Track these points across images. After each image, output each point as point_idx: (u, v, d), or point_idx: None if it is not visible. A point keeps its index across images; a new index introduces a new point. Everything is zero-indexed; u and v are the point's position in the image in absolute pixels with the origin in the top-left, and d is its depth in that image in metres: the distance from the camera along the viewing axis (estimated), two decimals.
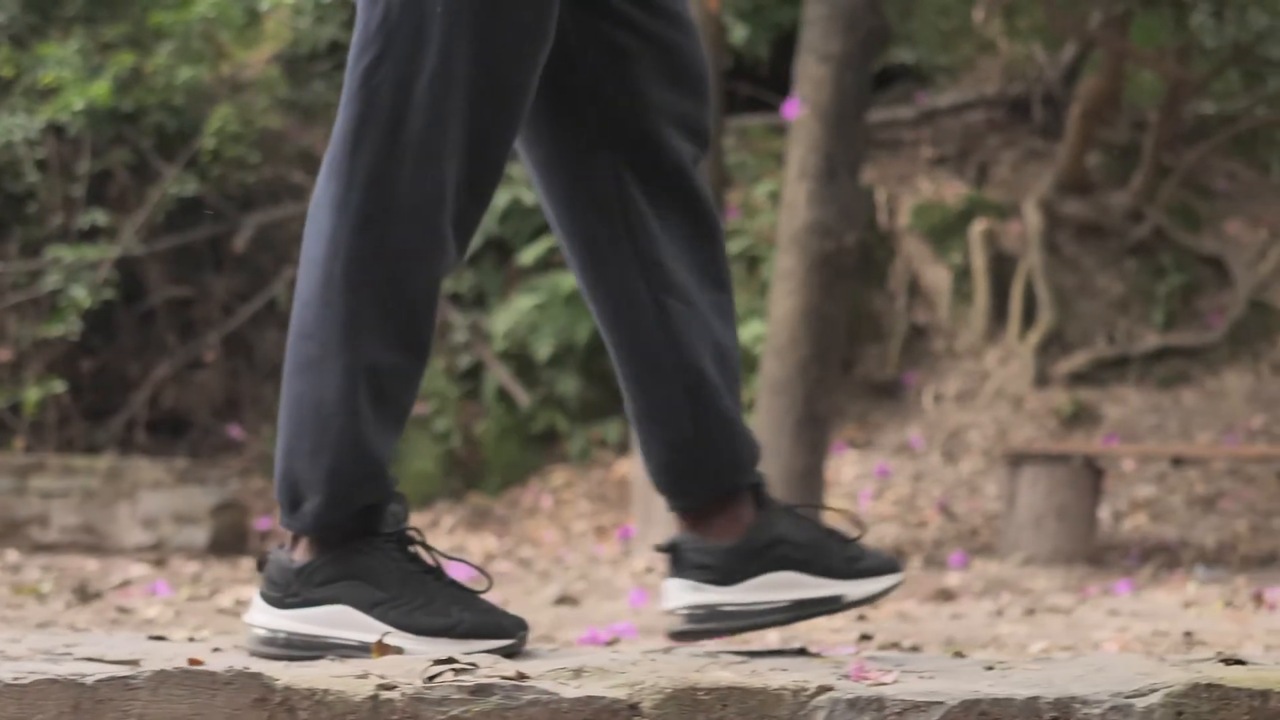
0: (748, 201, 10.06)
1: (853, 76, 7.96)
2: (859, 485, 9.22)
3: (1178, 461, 8.90)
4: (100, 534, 8.21)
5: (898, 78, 11.17)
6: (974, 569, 7.73)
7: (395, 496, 2.45)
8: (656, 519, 8.15)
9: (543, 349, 9.49)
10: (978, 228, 10.35)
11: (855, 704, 2.05)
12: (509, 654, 2.35)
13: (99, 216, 9.45)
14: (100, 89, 9.35)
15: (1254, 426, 9.84)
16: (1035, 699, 2.06)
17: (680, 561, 2.61)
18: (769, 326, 8.02)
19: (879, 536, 8.59)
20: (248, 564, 7.54)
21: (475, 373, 9.78)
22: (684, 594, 2.60)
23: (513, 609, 2.50)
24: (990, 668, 2.30)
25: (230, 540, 8.20)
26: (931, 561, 7.85)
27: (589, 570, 7.51)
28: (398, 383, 2.41)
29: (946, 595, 6.20)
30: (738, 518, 2.61)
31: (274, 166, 10.19)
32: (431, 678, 2.06)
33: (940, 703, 2.05)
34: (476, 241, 9.87)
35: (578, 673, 2.13)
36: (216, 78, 10.23)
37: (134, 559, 7.86)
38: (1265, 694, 2.09)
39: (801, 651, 2.51)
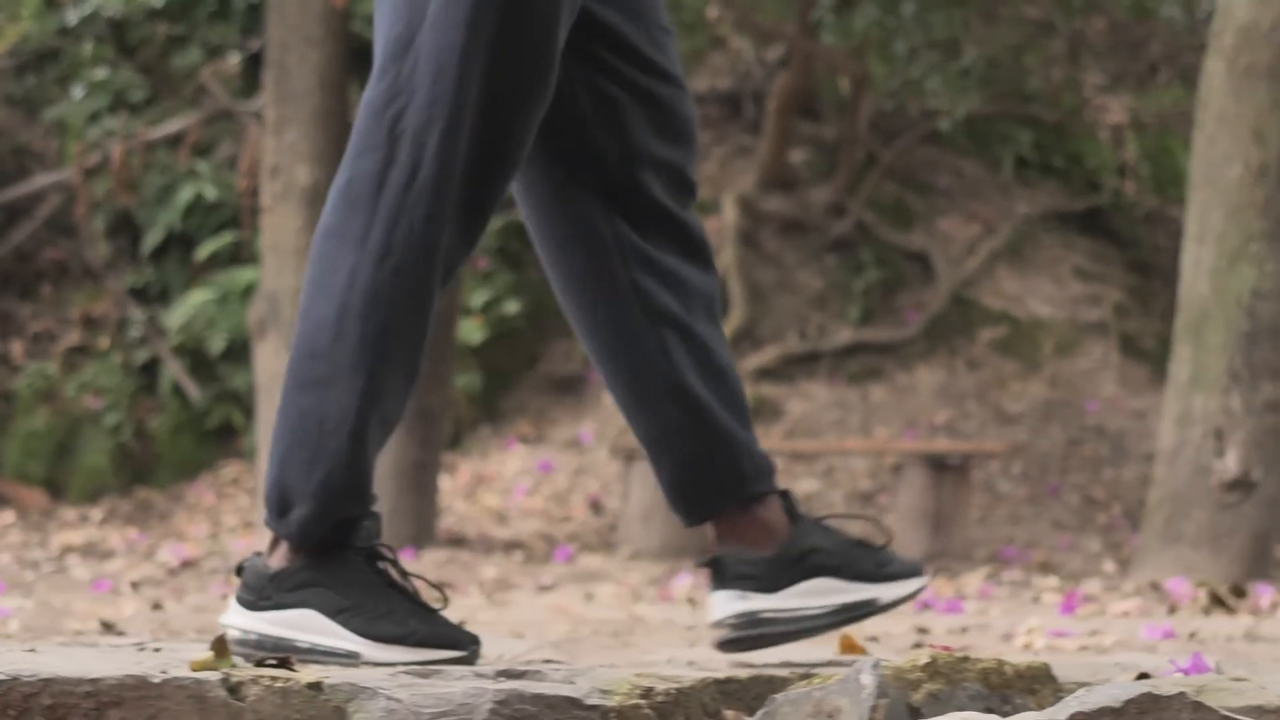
0: None
1: None
2: (518, 480, 9.23)
3: (796, 456, 8.92)
4: None
5: None
6: (576, 563, 7.74)
7: (371, 514, 2.61)
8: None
9: (217, 343, 9.50)
10: None
11: None
12: (461, 663, 2.51)
13: None
14: None
15: (938, 422, 9.86)
16: None
17: (723, 573, 2.76)
18: None
19: (518, 531, 8.60)
20: None
21: (152, 367, 9.79)
22: (730, 603, 2.75)
23: None
24: None
25: None
26: (533, 557, 7.85)
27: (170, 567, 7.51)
28: (396, 405, 2.59)
29: (450, 586, 6.21)
30: (770, 528, 2.77)
31: None
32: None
33: None
34: (158, 237, 9.93)
35: None
36: None
37: None
38: None
39: None
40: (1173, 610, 5.14)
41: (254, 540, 8.55)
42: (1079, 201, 11.46)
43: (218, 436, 9.67)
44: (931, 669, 2.16)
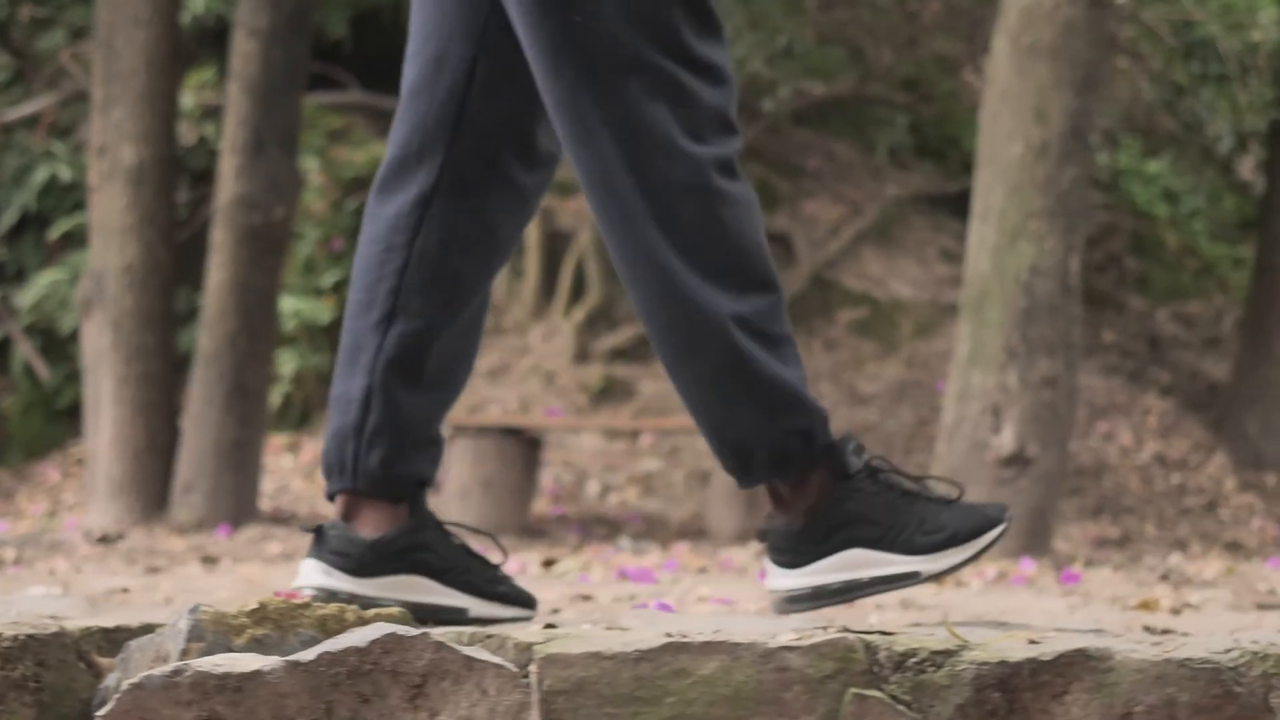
0: None
1: (281, 52, 8.00)
2: None
3: (614, 433, 8.96)
4: None
5: None
6: None
7: (846, 435, 2.63)
8: (102, 491, 8.17)
9: (68, 323, 9.55)
10: None
11: None
12: (1002, 536, 2.61)
13: None
14: None
15: None
16: None
17: (321, 543, 2.79)
18: (203, 300, 8.08)
19: (329, 514, 8.63)
20: None
21: (4, 347, 9.83)
22: (314, 575, 2.78)
23: None
24: None
25: None
26: None
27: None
28: (766, 320, 2.57)
29: (210, 560, 6.26)
30: (382, 518, 2.78)
31: None
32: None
33: None
34: (13, 217, 9.96)
35: None
36: None
37: None
38: None
39: None
40: None
41: (83, 518, 8.59)
42: (952, 184, 11.49)
43: (68, 416, 9.71)
44: (260, 614, 2.20)
